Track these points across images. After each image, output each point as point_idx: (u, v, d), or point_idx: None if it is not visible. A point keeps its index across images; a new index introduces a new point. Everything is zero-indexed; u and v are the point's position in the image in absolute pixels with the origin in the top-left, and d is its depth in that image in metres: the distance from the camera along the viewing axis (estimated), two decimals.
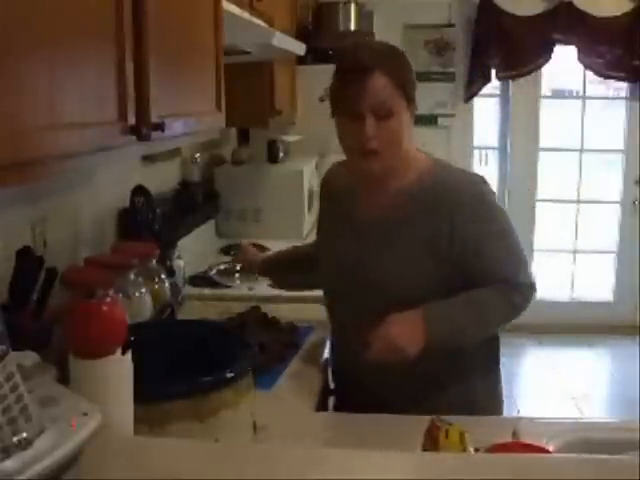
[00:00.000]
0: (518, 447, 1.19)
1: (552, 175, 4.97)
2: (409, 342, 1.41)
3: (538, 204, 4.89)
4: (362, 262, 1.54)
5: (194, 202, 2.79)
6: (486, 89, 4.66)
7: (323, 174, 1.81)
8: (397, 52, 1.53)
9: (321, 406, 1.64)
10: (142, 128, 1.20)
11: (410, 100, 1.49)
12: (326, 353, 1.82)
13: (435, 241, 1.48)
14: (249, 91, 2.80)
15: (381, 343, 1.41)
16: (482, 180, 1.56)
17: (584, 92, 4.87)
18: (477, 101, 4.73)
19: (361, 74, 1.44)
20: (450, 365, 1.53)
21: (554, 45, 4.48)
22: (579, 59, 4.52)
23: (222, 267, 2.61)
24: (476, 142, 4.85)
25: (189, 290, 2.30)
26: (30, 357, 1.00)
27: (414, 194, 1.52)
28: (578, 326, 4.70)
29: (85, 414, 0.87)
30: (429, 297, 1.47)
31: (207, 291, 2.38)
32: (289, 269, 1.95)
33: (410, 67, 1.52)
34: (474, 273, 1.50)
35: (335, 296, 1.66)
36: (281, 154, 3.39)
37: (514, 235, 1.54)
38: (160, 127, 1.25)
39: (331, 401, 1.76)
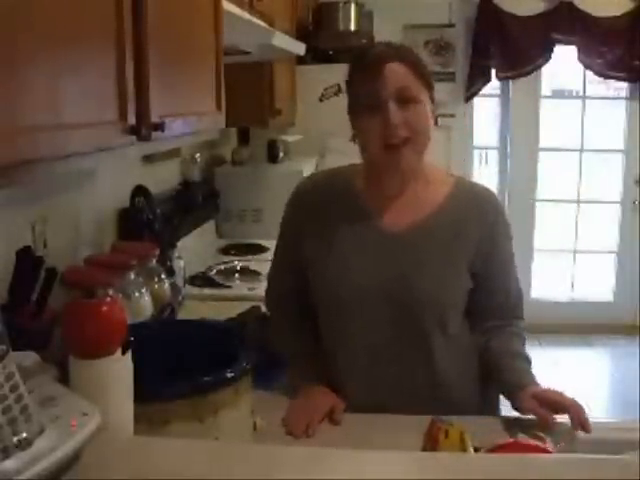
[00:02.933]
0: (518, 447, 1.19)
1: (552, 175, 4.96)
2: None
3: (538, 204, 4.89)
4: (406, 277, 1.42)
5: (194, 202, 2.79)
6: (486, 89, 4.66)
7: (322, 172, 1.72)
8: (411, 49, 1.48)
9: None
10: (142, 128, 1.20)
11: (431, 93, 1.42)
12: None
13: (476, 255, 1.44)
14: (249, 91, 2.81)
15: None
16: None
17: (584, 92, 4.87)
18: (477, 101, 4.73)
19: (379, 64, 1.38)
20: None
21: (554, 45, 4.48)
22: (579, 59, 4.52)
23: (222, 267, 2.62)
24: (476, 142, 4.85)
25: (189, 290, 2.30)
26: (30, 357, 1.00)
27: (455, 205, 1.46)
28: (578, 326, 4.70)
29: (85, 414, 0.87)
30: (458, 313, 1.45)
31: (207, 291, 2.38)
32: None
33: (425, 64, 1.46)
34: (483, 291, 1.46)
35: (353, 317, 1.46)
36: (281, 154, 3.40)
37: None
38: (160, 127, 1.25)
39: None
